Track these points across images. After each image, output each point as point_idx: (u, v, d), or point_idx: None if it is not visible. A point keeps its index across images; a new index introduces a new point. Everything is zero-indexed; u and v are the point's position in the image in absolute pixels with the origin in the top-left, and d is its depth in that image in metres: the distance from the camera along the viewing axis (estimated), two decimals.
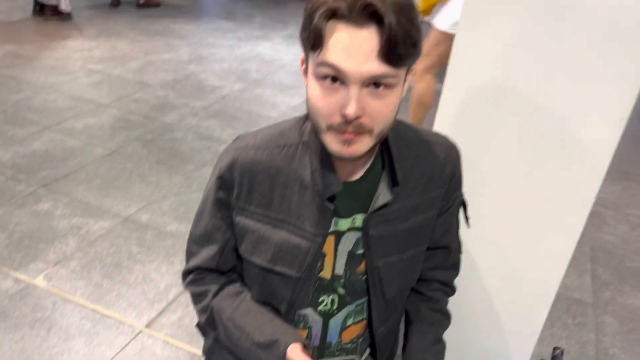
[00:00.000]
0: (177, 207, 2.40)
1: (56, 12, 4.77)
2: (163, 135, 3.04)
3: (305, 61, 0.77)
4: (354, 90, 0.70)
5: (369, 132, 0.75)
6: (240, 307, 0.91)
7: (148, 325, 1.76)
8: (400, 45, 0.69)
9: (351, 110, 0.70)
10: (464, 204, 1.02)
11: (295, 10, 6.33)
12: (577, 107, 1.04)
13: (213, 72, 4.12)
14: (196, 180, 2.63)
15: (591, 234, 2.60)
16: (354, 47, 0.69)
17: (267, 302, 0.93)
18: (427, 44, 2.73)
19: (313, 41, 0.71)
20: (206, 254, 0.94)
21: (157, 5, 5.76)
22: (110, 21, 5.04)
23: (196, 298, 0.97)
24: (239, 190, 0.87)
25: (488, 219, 1.19)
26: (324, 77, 0.72)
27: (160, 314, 1.81)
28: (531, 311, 1.27)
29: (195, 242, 0.96)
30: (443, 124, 1.14)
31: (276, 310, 0.93)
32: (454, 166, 0.94)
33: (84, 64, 3.94)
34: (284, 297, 0.90)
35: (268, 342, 0.86)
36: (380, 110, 0.73)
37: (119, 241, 2.14)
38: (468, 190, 1.03)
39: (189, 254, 0.98)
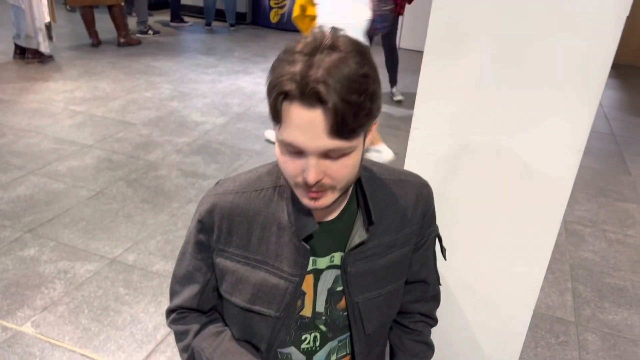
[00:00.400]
0: (163, 245, 2.42)
1: (37, 55, 4.82)
2: (147, 173, 3.08)
3: (274, 128, 0.81)
4: (312, 161, 0.75)
5: (332, 188, 0.80)
6: (219, 347, 0.95)
7: None
8: (350, 121, 0.72)
9: (310, 178, 0.75)
10: (439, 238, 1.06)
11: (275, 44, 6.47)
12: (535, 141, 1.11)
13: (195, 107, 4.18)
14: (181, 217, 2.65)
15: (570, 252, 2.67)
16: (306, 126, 0.73)
17: (248, 340, 0.96)
18: None
19: (273, 115, 0.76)
20: (187, 293, 0.98)
21: (138, 43, 5.85)
22: (91, 61, 5.10)
23: (178, 336, 1.01)
24: (218, 233, 0.92)
25: (461, 250, 1.24)
26: (286, 148, 0.77)
27: (149, 355, 1.82)
28: (509, 335, 1.31)
29: (178, 282, 1.00)
30: (412, 161, 1.20)
31: (256, 349, 0.96)
32: (426, 203, 0.99)
33: (66, 105, 3.98)
34: (264, 335, 0.94)
35: None
36: (340, 172, 0.78)
37: (106, 283, 2.15)
38: (440, 223, 1.08)
39: (172, 293, 1.02)
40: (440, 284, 1.12)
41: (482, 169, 1.16)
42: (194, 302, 0.98)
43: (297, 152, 0.76)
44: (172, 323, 1.02)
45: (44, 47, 4.73)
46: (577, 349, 2.02)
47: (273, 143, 3.75)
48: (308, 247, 0.90)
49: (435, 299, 1.12)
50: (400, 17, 4.42)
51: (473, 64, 1.09)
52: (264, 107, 4.29)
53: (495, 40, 1.06)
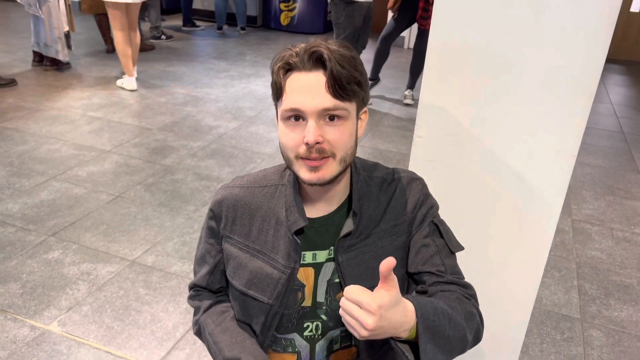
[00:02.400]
0: (180, 247, 2.52)
1: (55, 62, 4.96)
2: (164, 177, 3.18)
3: (275, 109, 0.95)
4: (311, 122, 0.87)
5: (332, 156, 0.89)
6: (221, 325, 1.06)
7: None
8: (344, 82, 0.86)
9: (310, 137, 0.86)
10: (438, 227, 1.03)
11: (285, 46, 6.54)
12: (530, 147, 1.17)
13: (209, 112, 4.29)
14: (197, 220, 2.75)
15: (577, 250, 2.72)
16: (306, 87, 0.87)
17: (246, 322, 1.06)
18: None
19: (276, 92, 0.92)
20: (201, 273, 1.11)
21: (151, 48, 5.98)
22: (107, 68, 5.23)
23: (194, 311, 1.14)
24: (225, 221, 1.04)
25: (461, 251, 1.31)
26: (288, 118, 0.90)
27: (169, 352, 1.91)
28: (511, 330, 1.38)
29: (197, 263, 1.13)
30: (415, 166, 1.27)
31: (253, 331, 1.05)
32: (416, 194, 1.03)
33: (84, 112, 4.10)
34: (258, 319, 1.03)
35: (233, 359, 0.99)
36: (337, 137, 0.89)
37: (127, 284, 2.25)
38: None
39: (194, 272, 1.15)
40: (455, 274, 1.01)
41: (481, 174, 1.23)
42: (204, 282, 1.11)
43: (297, 119, 0.89)
44: (189, 299, 1.15)
45: (63, 56, 4.86)
46: (582, 345, 2.07)
47: (125, 89, 4.62)
48: (299, 241, 0.98)
49: (460, 285, 1.00)
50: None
51: (470, 76, 1.16)
52: (275, 111, 4.38)
53: (491, 54, 1.13)
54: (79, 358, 1.86)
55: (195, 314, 1.13)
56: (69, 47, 4.93)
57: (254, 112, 4.34)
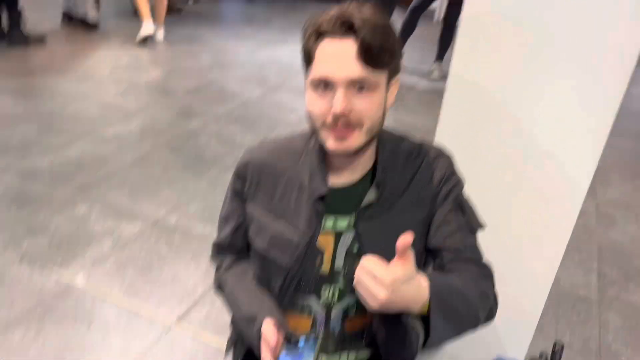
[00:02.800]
0: (202, 210, 2.56)
1: (84, 23, 4.98)
2: (188, 141, 3.21)
3: (305, 75, 0.94)
4: (340, 91, 0.86)
5: (359, 126, 0.89)
6: (241, 283, 1.09)
7: (178, 321, 1.92)
8: (375, 51, 0.84)
9: (338, 108, 0.86)
10: (461, 205, 1.02)
11: (318, 11, 6.46)
12: (558, 126, 1.15)
13: (234, 78, 4.28)
14: (220, 184, 2.78)
15: (600, 234, 2.69)
16: (336, 54, 0.86)
17: (265, 283, 1.08)
18: None
19: (306, 58, 0.91)
20: (224, 232, 1.13)
21: (179, 11, 5.95)
22: (134, 30, 5.22)
23: (215, 268, 1.18)
24: (250, 183, 1.06)
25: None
26: (316, 86, 0.89)
27: (188, 310, 1.97)
28: (526, 308, 1.38)
29: (221, 222, 1.15)
30: (443, 140, 1.26)
31: (271, 292, 1.07)
32: (443, 168, 1.02)
33: (111, 72, 4.14)
34: (277, 281, 1.05)
35: (250, 316, 1.02)
36: (365, 107, 0.88)
37: (150, 243, 2.30)
38: None
39: (218, 231, 1.17)
40: (475, 254, 1.02)
41: (509, 149, 1.22)
42: (227, 241, 1.13)
43: (326, 87, 0.88)
44: (211, 257, 1.18)
45: (92, 17, 4.89)
46: (597, 327, 2.07)
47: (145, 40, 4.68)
48: (320, 208, 0.99)
49: (476, 264, 1.00)
50: None
51: (504, 48, 1.14)
52: (300, 79, 4.34)
53: (526, 26, 1.10)
54: (102, 312, 1.93)
55: (216, 271, 1.16)
56: (97, 8, 4.95)
57: (279, 80, 4.32)
